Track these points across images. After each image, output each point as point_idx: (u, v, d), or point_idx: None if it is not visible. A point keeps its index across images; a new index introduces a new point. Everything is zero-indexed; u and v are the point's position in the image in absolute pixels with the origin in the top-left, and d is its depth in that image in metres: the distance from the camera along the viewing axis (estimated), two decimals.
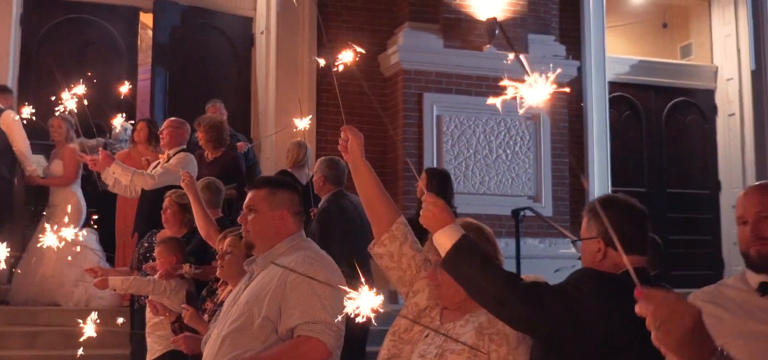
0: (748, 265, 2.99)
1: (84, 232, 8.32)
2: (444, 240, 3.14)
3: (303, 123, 5.13)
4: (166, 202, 6.80)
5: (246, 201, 3.98)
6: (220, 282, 5.43)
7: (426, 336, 3.41)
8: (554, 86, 3.32)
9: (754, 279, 2.97)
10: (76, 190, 9.34)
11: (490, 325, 3.25)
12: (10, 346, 8.09)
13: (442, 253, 3.15)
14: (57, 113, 9.11)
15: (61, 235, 4.81)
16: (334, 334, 3.55)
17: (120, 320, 6.69)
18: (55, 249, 4.86)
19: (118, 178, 7.88)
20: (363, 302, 2.44)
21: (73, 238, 4.99)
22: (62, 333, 8.05)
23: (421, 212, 3.24)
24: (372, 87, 11.18)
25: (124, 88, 7.60)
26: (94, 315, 4.91)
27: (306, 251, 3.78)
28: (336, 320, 3.52)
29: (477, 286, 3.10)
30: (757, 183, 3.16)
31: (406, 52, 10.78)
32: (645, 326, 1.99)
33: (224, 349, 3.62)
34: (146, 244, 6.94)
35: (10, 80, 10.18)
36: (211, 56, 11.32)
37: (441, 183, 7.79)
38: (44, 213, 9.13)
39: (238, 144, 9.44)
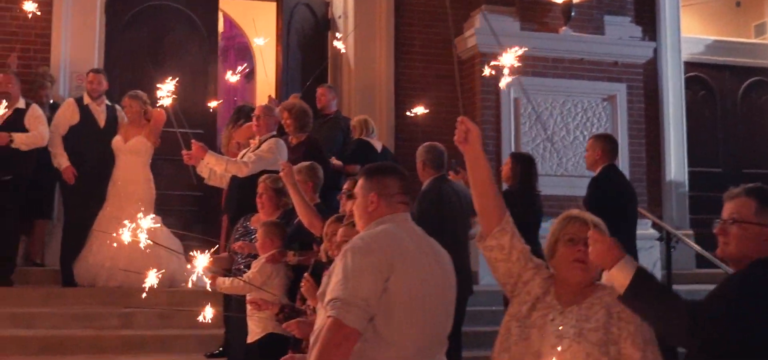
0: None
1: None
2: (619, 275, 3.35)
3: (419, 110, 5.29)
4: (260, 187, 6.92)
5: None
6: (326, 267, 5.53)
7: (552, 319, 3.58)
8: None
9: None
10: (149, 169, 9.44)
11: (615, 304, 3.49)
12: (107, 327, 8.31)
13: (618, 288, 3.36)
14: (129, 95, 9.35)
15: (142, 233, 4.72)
16: (355, 310, 3.50)
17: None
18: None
19: (213, 168, 8.06)
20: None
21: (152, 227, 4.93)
22: (156, 314, 8.30)
23: (590, 250, 3.45)
24: (448, 70, 11.27)
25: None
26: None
27: (368, 230, 3.83)
28: (358, 297, 3.51)
29: (658, 318, 3.35)
30: None
31: (482, 35, 10.80)
32: None
33: (317, 321, 3.77)
34: (242, 229, 7.10)
35: (96, 66, 10.37)
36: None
37: (525, 167, 7.91)
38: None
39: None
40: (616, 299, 3.48)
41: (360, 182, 3.98)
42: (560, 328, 3.55)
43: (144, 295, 4.92)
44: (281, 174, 6.41)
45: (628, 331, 3.46)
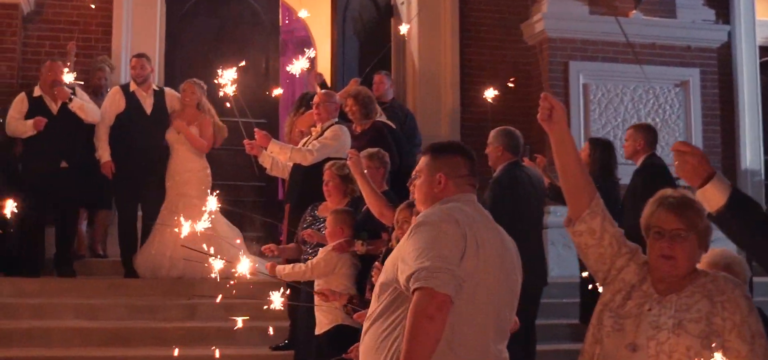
0: None
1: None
2: (713, 192, 3.11)
3: (490, 93, 5.09)
4: (327, 175, 6.75)
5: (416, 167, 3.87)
6: None
7: (649, 309, 3.32)
8: None
9: None
10: (204, 158, 9.25)
11: (719, 293, 3.24)
12: (170, 319, 8.21)
13: (711, 208, 3.12)
14: (192, 80, 9.19)
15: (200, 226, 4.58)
16: (444, 275, 3.20)
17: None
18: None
19: (277, 156, 7.86)
20: None
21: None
22: (220, 305, 8.15)
23: (676, 165, 3.18)
24: (515, 55, 11.06)
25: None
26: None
27: (433, 208, 3.57)
28: (444, 263, 3.23)
29: (755, 243, 3.14)
30: None
31: (551, 20, 10.63)
32: None
33: (372, 304, 3.56)
34: (310, 218, 6.92)
35: (157, 55, 10.36)
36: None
37: (604, 153, 7.67)
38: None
39: None
40: (719, 288, 3.25)
41: (425, 160, 3.72)
42: (658, 318, 3.28)
43: (208, 269, 4.74)
44: (349, 162, 6.20)
45: (734, 322, 3.18)
